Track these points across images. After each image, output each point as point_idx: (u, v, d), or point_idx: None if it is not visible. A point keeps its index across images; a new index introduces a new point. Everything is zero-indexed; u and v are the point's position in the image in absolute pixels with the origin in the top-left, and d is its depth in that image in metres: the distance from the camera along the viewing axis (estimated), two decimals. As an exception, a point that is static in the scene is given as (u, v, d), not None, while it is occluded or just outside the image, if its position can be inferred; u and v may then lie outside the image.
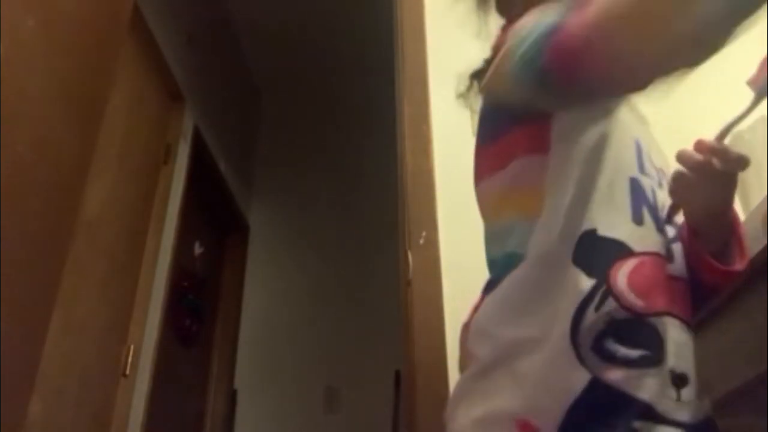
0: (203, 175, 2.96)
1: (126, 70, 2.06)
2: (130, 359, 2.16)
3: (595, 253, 0.67)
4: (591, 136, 0.70)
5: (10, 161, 1.15)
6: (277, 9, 3.47)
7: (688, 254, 0.72)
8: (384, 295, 2.64)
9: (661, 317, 0.65)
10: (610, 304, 0.64)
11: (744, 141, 0.98)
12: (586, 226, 0.67)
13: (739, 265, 0.72)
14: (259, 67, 3.89)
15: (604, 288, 0.65)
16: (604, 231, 0.67)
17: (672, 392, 0.63)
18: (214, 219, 3.36)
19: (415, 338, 1.29)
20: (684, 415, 0.63)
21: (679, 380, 0.63)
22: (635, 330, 0.64)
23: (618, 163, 0.70)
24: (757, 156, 0.96)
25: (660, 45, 0.58)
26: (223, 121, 3.33)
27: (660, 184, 0.74)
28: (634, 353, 0.63)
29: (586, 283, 0.65)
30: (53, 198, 1.36)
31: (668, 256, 0.70)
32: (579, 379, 0.62)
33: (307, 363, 3.40)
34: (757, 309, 0.79)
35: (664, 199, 0.73)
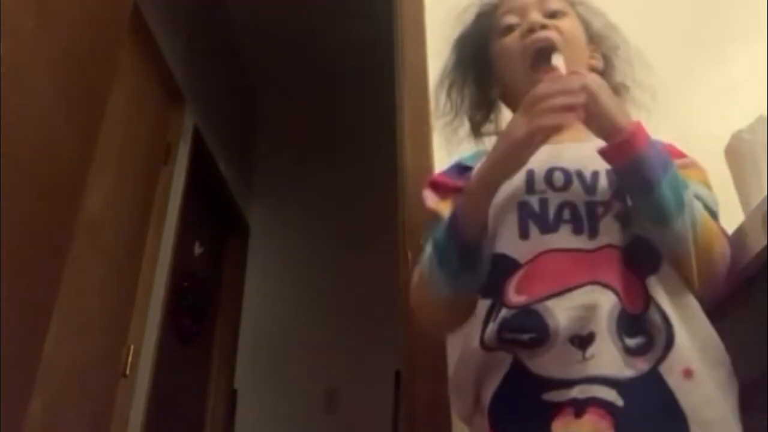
0: (203, 175, 2.96)
1: (126, 70, 2.06)
2: (130, 359, 2.16)
3: (490, 274, 0.82)
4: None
5: (10, 161, 1.15)
6: (278, 9, 3.47)
7: (603, 155, 0.81)
8: (384, 295, 2.64)
9: (544, 302, 0.76)
10: (503, 312, 0.78)
11: (744, 141, 0.98)
12: (493, 251, 0.83)
13: (620, 139, 0.78)
14: (259, 67, 3.89)
15: (498, 303, 0.79)
16: (498, 250, 0.83)
17: (578, 355, 0.72)
18: (214, 219, 3.36)
19: (414, 338, 1.29)
20: (594, 370, 0.72)
21: (583, 341, 0.73)
22: (522, 319, 0.76)
23: (504, 199, 0.85)
24: (757, 156, 0.96)
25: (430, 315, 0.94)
26: (223, 121, 3.33)
27: (562, 186, 0.85)
28: (526, 336, 0.75)
29: (484, 305, 0.81)
30: (53, 198, 1.36)
31: (589, 234, 0.80)
32: (504, 360, 0.77)
33: (307, 363, 3.40)
34: (757, 309, 0.79)
35: (564, 198, 0.84)
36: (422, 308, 0.93)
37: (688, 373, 0.72)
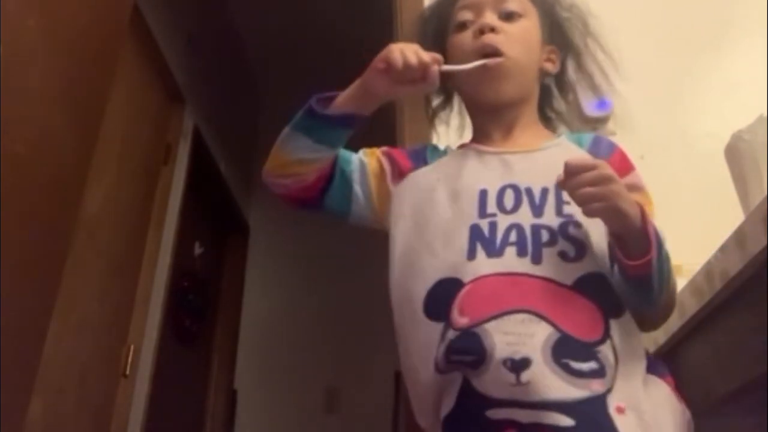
0: (203, 175, 2.95)
1: (126, 70, 2.06)
2: (130, 359, 2.16)
3: (439, 298, 0.83)
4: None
5: (10, 161, 1.15)
6: (278, 9, 3.47)
7: (615, 258, 0.81)
8: (384, 295, 2.64)
9: (483, 325, 0.78)
10: (449, 334, 0.80)
11: (744, 141, 0.98)
12: (435, 278, 0.85)
13: (648, 255, 0.78)
14: (260, 68, 3.89)
15: (446, 325, 0.81)
16: (446, 273, 0.84)
17: (511, 377, 0.74)
18: (214, 219, 3.36)
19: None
20: (529, 395, 0.74)
21: (518, 366, 0.74)
22: (465, 341, 0.78)
23: (455, 220, 0.88)
24: (757, 156, 0.95)
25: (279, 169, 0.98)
26: (223, 121, 3.33)
27: (512, 209, 0.87)
28: (468, 358, 0.78)
29: (436, 328, 0.82)
30: (53, 198, 1.36)
31: (532, 258, 0.82)
32: (456, 380, 0.79)
33: (307, 363, 3.40)
34: (757, 309, 0.79)
35: (512, 220, 0.86)
36: (270, 167, 0.98)
37: (620, 410, 0.75)
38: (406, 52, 0.88)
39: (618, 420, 0.74)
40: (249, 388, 3.37)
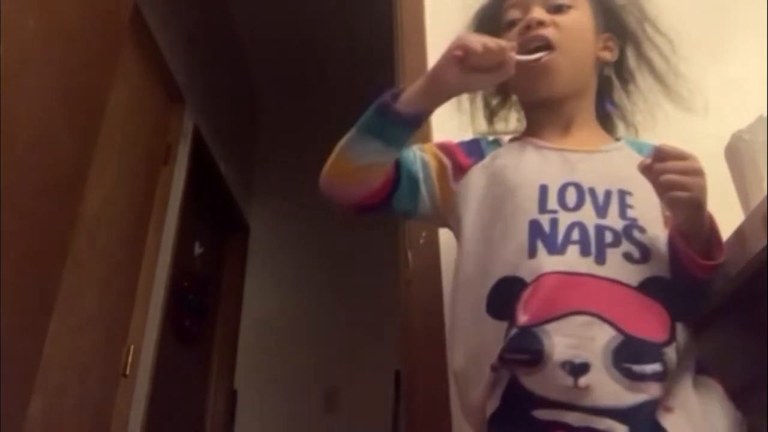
0: (203, 175, 2.95)
1: (126, 70, 2.06)
2: (130, 359, 2.16)
3: (504, 296, 0.81)
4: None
5: (9, 161, 1.15)
6: (278, 9, 3.47)
7: (680, 254, 0.79)
8: (384, 295, 2.64)
9: (543, 325, 0.76)
10: (511, 333, 0.78)
11: (744, 141, 0.98)
12: (498, 275, 0.83)
13: (720, 258, 0.77)
14: (259, 68, 3.89)
15: (511, 324, 0.79)
16: (506, 272, 0.82)
17: (569, 381, 0.73)
18: (214, 219, 3.36)
19: (414, 338, 1.29)
20: (584, 400, 0.72)
21: (577, 370, 0.73)
22: (523, 340, 0.77)
23: (515, 214, 0.86)
24: (757, 156, 0.95)
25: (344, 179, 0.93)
26: (223, 121, 3.33)
27: (574, 207, 0.85)
28: (524, 356, 0.76)
29: (500, 327, 0.80)
30: (53, 198, 1.36)
31: (596, 258, 0.81)
32: (504, 378, 0.79)
33: (307, 363, 3.40)
34: (757, 309, 0.79)
35: (574, 218, 0.84)
36: (331, 176, 0.94)
37: (668, 409, 0.74)
38: (483, 38, 0.84)
39: (665, 419, 0.73)
40: (249, 388, 3.37)
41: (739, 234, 0.79)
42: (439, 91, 0.89)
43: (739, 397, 0.78)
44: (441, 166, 0.98)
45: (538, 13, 0.96)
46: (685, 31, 1.56)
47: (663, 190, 0.77)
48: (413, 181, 0.96)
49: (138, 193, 2.34)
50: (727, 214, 0.87)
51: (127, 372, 2.15)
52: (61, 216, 1.40)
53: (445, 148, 1.00)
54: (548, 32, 0.94)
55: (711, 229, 0.78)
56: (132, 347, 2.19)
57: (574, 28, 0.97)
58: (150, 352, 2.28)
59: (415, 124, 0.90)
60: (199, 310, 3.00)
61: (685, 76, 1.06)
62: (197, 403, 3.08)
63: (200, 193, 2.94)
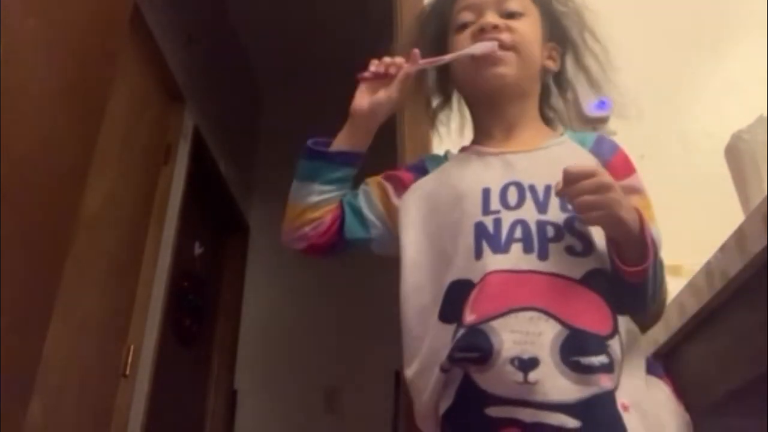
0: (203, 175, 2.95)
1: (126, 70, 2.06)
2: (130, 359, 2.16)
3: (451, 300, 0.84)
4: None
5: (10, 161, 1.15)
6: (278, 9, 3.46)
7: (611, 261, 0.81)
8: (384, 295, 2.64)
9: (489, 322, 0.77)
10: (459, 333, 0.80)
11: (744, 141, 0.98)
12: (449, 279, 0.85)
13: (645, 263, 0.79)
14: (260, 67, 3.89)
15: (458, 325, 0.81)
16: (456, 276, 0.85)
17: (518, 376, 0.74)
18: (214, 219, 3.36)
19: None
20: (535, 395, 0.73)
21: (526, 365, 0.74)
22: (471, 338, 0.78)
23: (462, 220, 0.88)
24: (757, 156, 0.95)
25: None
26: (223, 121, 3.33)
27: (516, 205, 0.87)
28: (473, 354, 0.77)
29: (448, 330, 0.82)
30: (53, 198, 1.36)
31: (539, 254, 0.82)
32: (457, 376, 0.80)
33: (307, 363, 3.40)
34: (757, 309, 0.79)
35: (517, 216, 0.86)
36: (287, 224, 1.03)
37: (625, 407, 0.75)
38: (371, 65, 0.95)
39: (624, 417, 0.74)
40: (249, 388, 3.37)
41: (739, 234, 0.79)
42: (358, 122, 0.99)
43: (739, 397, 0.78)
44: (381, 189, 1.04)
45: (492, 17, 0.98)
46: (686, 31, 1.56)
47: (579, 212, 0.79)
48: (356, 209, 1.02)
49: (138, 193, 2.34)
50: (727, 214, 0.87)
51: (127, 372, 2.15)
52: (61, 216, 1.40)
53: (388, 174, 1.07)
54: (504, 36, 0.97)
55: (640, 233, 0.79)
56: (132, 347, 2.19)
57: (527, 33, 1.00)
58: (150, 352, 2.28)
59: (344, 161, 0.99)
60: (199, 310, 3.00)
61: (619, 84, 1.09)
62: (197, 403, 3.08)
63: (200, 192, 2.94)
